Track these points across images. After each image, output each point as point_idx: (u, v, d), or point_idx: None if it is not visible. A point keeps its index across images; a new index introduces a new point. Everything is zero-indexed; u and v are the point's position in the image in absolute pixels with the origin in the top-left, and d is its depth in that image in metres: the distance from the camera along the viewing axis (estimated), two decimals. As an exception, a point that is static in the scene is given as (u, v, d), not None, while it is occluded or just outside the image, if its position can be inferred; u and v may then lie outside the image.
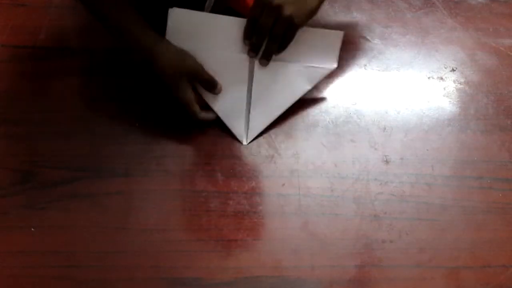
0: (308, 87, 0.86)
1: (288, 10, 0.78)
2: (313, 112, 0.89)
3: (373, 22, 0.98)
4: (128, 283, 0.74)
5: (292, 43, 0.82)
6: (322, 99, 0.90)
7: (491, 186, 0.83)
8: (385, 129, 0.88)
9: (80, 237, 0.76)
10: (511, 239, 0.79)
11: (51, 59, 0.92)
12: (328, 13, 0.99)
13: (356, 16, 0.99)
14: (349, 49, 0.95)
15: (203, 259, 0.76)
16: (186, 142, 0.86)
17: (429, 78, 0.94)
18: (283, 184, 0.82)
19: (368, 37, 0.97)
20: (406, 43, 0.97)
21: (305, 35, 0.83)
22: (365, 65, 0.94)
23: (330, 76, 0.91)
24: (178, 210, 0.79)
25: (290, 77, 0.86)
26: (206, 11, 0.87)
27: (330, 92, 0.91)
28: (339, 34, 0.86)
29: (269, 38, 0.81)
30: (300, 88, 0.86)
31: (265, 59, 0.84)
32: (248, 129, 0.84)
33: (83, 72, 0.91)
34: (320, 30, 0.85)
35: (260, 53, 0.83)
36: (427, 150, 0.86)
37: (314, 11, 0.81)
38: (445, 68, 0.95)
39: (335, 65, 0.86)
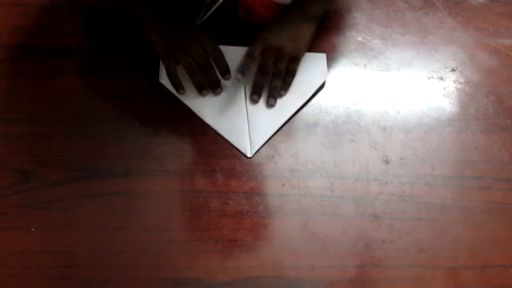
0: (301, 103, 0.88)
1: (288, 48, 0.86)
2: (313, 112, 0.89)
3: (373, 22, 0.98)
4: (128, 283, 0.74)
5: None
6: (322, 99, 0.90)
7: (491, 186, 0.83)
8: (385, 129, 0.88)
9: (80, 237, 0.76)
10: (511, 239, 0.79)
11: (51, 59, 0.92)
12: (328, 13, 0.99)
13: (356, 16, 0.99)
14: (349, 49, 0.95)
15: (203, 259, 0.76)
16: (186, 142, 0.86)
17: (429, 78, 0.94)
18: (283, 184, 0.82)
19: (368, 37, 0.96)
20: (406, 43, 0.97)
21: None
22: (365, 65, 0.94)
23: (330, 76, 0.91)
24: (178, 210, 0.79)
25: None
26: (200, 21, 0.90)
27: (330, 92, 0.90)
28: (323, 56, 0.93)
29: (273, 76, 0.87)
30: (295, 103, 0.88)
31: (273, 98, 0.87)
32: (250, 142, 0.84)
33: (83, 72, 0.91)
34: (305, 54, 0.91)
35: (264, 93, 0.88)
36: (427, 150, 0.86)
37: (310, 41, 0.89)
38: (445, 68, 0.95)
39: (324, 79, 0.91)
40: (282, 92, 0.88)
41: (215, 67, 0.86)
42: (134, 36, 0.90)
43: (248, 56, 0.86)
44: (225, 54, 0.86)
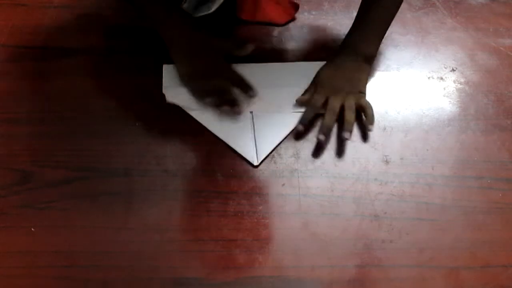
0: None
1: (349, 87, 0.86)
2: (313, 112, 0.88)
3: (373, 22, 0.98)
4: (128, 283, 0.74)
5: (285, 74, 0.91)
6: (322, 99, 0.90)
7: (491, 186, 0.83)
8: (385, 129, 0.88)
9: (80, 237, 0.76)
10: (511, 239, 0.79)
11: (51, 59, 0.92)
12: (328, 13, 0.99)
13: (356, 16, 0.99)
14: (349, 49, 0.95)
15: (203, 259, 0.76)
16: (186, 142, 0.86)
17: (429, 78, 0.94)
18: (283, 184, 0.82)
19: (368, 37, 0.96)
20: (406, 43, 0.97)
21: (295, 67, 0.91)
22: (365, 65, 0.94)
23: (330, 76, 0.91)
24: (178, 210, 0.79)
25: (289, 104, 0.88)
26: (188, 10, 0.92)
27: (330, 92, 0.90)
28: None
29: (345, 110, 0.85)
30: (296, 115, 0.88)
31: (348, 131, 0.84)
32: (257, 151, 0.84)
33: (83, 72, 0.91)
34: (307, 63, 0.91)
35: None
36: (427, 150, 0.86)
37: (367, 79, 0.89)
38: (445, 68, 0.95)
39: None
40: (370, 127, 0.85)
41: (241, 91, 0.87)
42: (135, 37, 0.90)
43: (311, 106, 0.85)
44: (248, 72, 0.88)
